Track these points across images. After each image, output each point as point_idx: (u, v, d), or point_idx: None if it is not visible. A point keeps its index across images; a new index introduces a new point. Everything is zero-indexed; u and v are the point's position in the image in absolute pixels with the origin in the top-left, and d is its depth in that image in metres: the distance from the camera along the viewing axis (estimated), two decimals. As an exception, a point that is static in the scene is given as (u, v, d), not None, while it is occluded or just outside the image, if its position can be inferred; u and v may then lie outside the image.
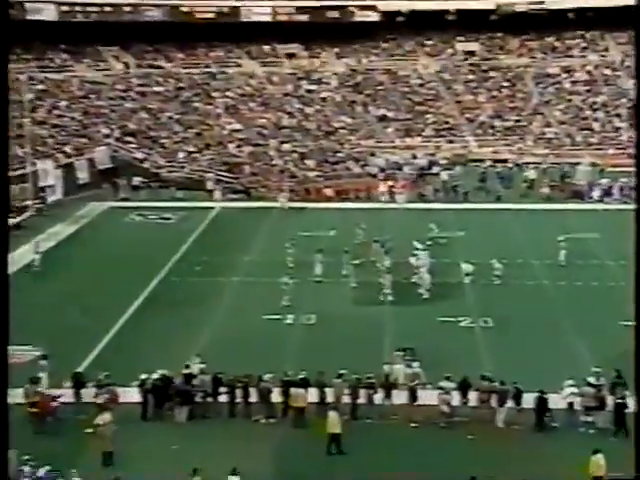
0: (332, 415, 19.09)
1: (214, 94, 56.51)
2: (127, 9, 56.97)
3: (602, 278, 30.17)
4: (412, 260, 30.66)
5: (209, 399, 20.87)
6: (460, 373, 20.75)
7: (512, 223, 38.72)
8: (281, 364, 22.19)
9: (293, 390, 20.16)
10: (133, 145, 49.67)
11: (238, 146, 50.48)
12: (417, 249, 31.57)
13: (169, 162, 48.55)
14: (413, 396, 20.42)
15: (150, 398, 20.57)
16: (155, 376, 20.73)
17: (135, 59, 59.34)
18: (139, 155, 48.70)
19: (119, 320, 27.03)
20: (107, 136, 49.75)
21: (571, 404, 20.01)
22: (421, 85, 59.40)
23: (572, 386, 20.08)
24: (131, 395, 20.67)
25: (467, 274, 30.42)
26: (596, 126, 53.83)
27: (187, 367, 21.43)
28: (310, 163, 48.74)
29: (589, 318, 26.39)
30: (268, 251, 34.00)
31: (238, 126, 52.93)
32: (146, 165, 47.94)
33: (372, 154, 51.17)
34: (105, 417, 18.80)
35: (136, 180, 45.97)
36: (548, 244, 33.23)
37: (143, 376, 20.75)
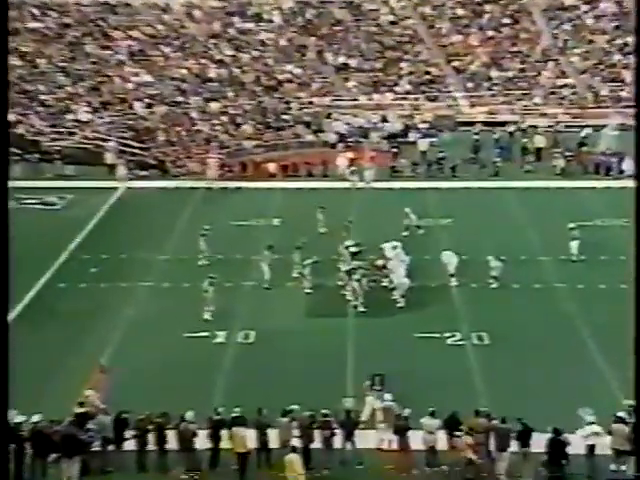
0: (293, 459, 19.14)
1: (113, 34, 55.93)
2: None
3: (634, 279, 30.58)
4: (382, 261, 30.83)
5: (110, 447, 20.70)
6: (447, 407, 20.87)
7: (514, 207, 39.18)
8: (209, 398, 22.18)
9: (234, 430, 20.16)
10: None
11: (148, 105, 50.08)
12: (385, 249, 31.75)
13: (53, 127, 47.97)
14: (403, 439, 20.51)
15: (28, 448, 20.30)
16: (35, 418, 20.46)
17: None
18: (10, 117, 47.97)
19: (-15, 342, 26.61)
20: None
21: (592, 447, 20.21)
22: (394, 23, 59.70)
23: (593, 423, 20.29)
24: (2, 444, 20.36)
25: (454, 275, 30.70)
26: (627, 76, 54.48)
27: (81, 405, 21.21)
28: (246, 129, 48.58)
29: (617, 333, 26.62)
30: (190, 247, 33.77)
31: (148, 78, 52.54)
32: (20, 130, 47.23)
33: (329, 116, 51.23)
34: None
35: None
36: (562, 234, 33.64)
37: (18, 419, 20.44)
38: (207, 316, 27.93)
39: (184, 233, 36.02)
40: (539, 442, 19.89)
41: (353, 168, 43.73)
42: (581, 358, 25.52)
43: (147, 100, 50.51)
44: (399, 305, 29.01)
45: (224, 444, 20.36)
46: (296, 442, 20.31)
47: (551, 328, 27.47)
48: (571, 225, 33.43)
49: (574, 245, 32.74)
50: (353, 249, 31.73)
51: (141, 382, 23.78)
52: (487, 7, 60.41)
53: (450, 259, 30.83)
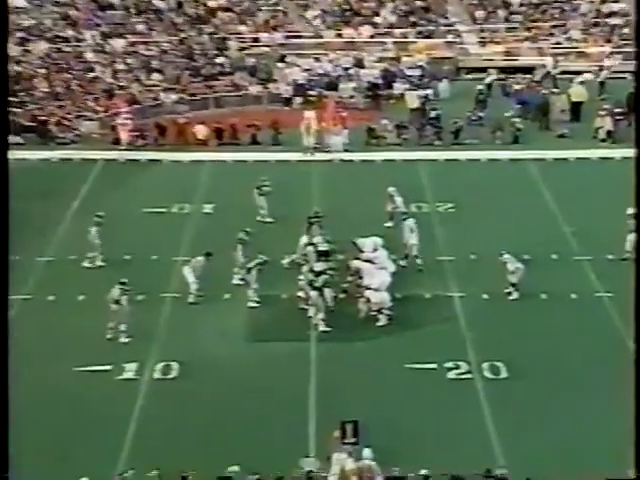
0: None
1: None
2: None
3: None
4: (357, 263, 30.94)
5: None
6: (447, 466, 21.09)
7: (541, 185, 39.58)
8: (111, 458, 22.24)
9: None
10: None
11: (21, 41, 49.77)
12: (362, 250, 31.76)
13: None
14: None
15: None
16: None
17: None
18: None
19: None
20: None
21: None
22: None
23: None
24: None
25: (417, 256, 31.32)
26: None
27: None
28: (163, 77, 48.46)
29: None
30: (84, 244, 33.65)
31: (21, 2, 52.14)
32: None
33: (281, 60, 51.24)
34: None
35: None
36: (609, 224, 33.97)
37: None
38: (111, 336, 28.04)
39: (75, 225, 35.91)
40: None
41: (315, 133, 43.87)
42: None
43: (20, 34, 50.23)
44: (380, 324, 29.17)
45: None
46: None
47: (594, 355, 27.64)
48: (630, 211, 32.95)
49: (633, 239, 32.39)
50: (322, 247, 31.81)
51: (13, 437, 23.70)
52: None
53: (409, 230, 31.56)
